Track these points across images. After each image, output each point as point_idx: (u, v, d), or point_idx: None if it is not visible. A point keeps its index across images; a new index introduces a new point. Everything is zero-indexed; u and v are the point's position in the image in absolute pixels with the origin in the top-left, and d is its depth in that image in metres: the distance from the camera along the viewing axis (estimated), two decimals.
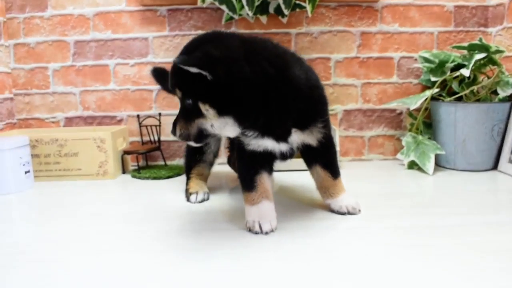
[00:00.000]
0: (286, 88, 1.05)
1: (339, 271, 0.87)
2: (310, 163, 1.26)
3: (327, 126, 1.19)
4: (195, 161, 1.45)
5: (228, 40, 1.04)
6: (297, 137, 1.14)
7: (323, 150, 1.20)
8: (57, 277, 0.87)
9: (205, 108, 1.01)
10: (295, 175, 1.65)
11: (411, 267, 0.88)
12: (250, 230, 1.10)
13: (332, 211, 1.24)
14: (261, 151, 1.13)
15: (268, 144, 1.12)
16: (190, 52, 1.02)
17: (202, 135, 1.06)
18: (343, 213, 1.22)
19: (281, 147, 1.13)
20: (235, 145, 1.20)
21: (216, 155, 1.47)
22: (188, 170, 1.46)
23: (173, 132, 1.08)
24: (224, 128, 1.04)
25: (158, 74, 1.48)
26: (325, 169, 1.23)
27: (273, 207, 1.14)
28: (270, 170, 1.19)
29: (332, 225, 1.14)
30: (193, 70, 0.97)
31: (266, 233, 1.08)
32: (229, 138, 1.41)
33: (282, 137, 1.11)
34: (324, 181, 1.24)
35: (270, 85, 1.02)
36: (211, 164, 1.47)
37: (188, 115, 1.05)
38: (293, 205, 1.32)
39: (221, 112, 1.01)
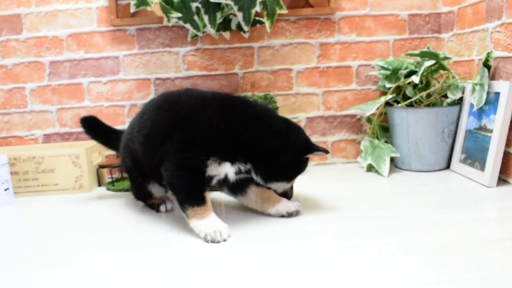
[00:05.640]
0: None
1: (294, 274, 0.97)
2: (243, 188, 1.38)
3: None
4: (148, 199, 1.51)
5: None
6: None
7: None
8: None
9: None
10: None
11: (360, 267, 0.98)
12: (212, 241, 1.18)
13: (280, 215, 1.36)
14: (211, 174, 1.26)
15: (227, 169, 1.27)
16: None
17: None
18: (292, 214, 1.35)
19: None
20: (171, 163, 1.26)
21: (167, 191, 1.46)
22: (139, 199, 1.54)
23: None
24: None
25: (87, 123, 1.65)
26: (259, 185, 1.36)
27: None
28: None
29: (286, 230, 1.25)
30: None
31: (225, 240, 1.19)
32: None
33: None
34: (263, 193, 1.37)
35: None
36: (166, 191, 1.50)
37: None
38: (245, 214, 1.43)
39: None
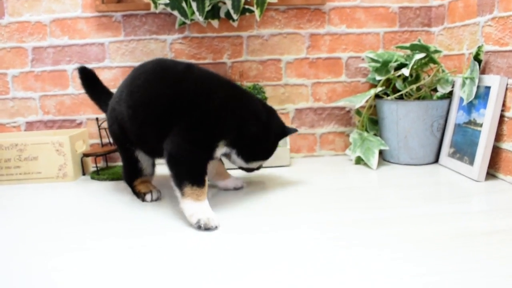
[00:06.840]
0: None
1: (279, 264, 0.96)
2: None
3: None
4: (136, 175, 1.48)
5: None
6: None
7: None
8: (15, 280, 0.94)
9: None
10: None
11: (346, 259, 0.97)
12: (205, 227, 1.14)
13: (226, 189, 1.54)
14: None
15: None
16: None
17: None
18: (238, 189, 1.55)
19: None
20: (182, 140, 1.25)
21: (154, 164, 1.49)
22: (130, 183, 1.49)
23: None
24: None
25: (84, 74, 1.63)
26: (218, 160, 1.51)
27: None
28: None
29: (273, 221, 1.23)
30: None
31: (216, 227, 1.16)
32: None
33: None
34: (219, 167, 1.54)
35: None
36: (152, 173, 1.50)
37: None
38: (231, 203, 1.40)
39: None
